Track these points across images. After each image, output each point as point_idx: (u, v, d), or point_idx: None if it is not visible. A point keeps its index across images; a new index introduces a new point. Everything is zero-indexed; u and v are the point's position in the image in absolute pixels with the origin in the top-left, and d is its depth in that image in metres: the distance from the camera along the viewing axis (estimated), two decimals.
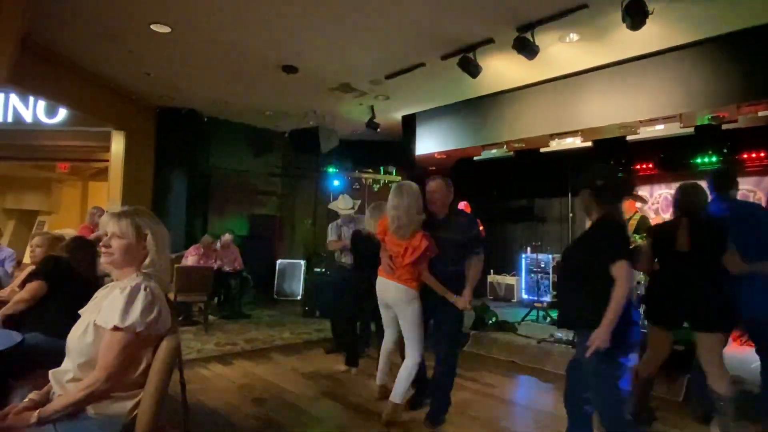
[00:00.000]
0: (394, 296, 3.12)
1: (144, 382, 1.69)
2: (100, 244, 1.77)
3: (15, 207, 10.25)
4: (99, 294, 1.79)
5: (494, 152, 6.51)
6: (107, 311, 1.62)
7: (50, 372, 1.69)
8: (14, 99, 6.97)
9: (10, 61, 4.71)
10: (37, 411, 1.56)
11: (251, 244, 8.42)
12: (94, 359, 1.61)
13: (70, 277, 2.77)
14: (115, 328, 1.58)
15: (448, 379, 3.12)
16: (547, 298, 7.03)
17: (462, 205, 6.85)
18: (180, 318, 6.09)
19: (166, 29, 4.74)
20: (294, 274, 8.68)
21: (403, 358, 3.21)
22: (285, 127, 8.12)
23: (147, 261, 1.76)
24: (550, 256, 7.36)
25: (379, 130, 7.33)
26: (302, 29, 4.66)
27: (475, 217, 3.34)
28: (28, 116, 7.01)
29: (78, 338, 1.65)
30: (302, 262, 8.66)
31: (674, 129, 5.41)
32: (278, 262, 8.74)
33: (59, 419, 1.57)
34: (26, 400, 1.66)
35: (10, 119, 6.97)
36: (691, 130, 5.30)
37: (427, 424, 3.06)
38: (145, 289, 1.65)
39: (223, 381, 4.00)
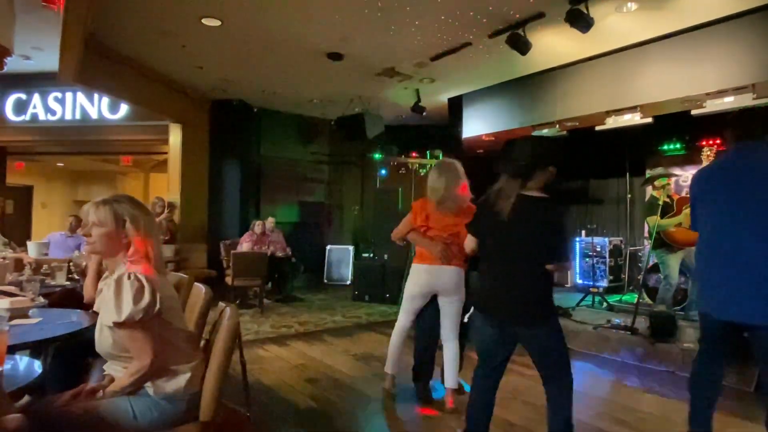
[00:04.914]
0: (449, 281, 3.01)
1: (189, 354, 1.77)
2: (82, 232, 1.75)
3: (86, 199, 11.03)
4: (101, 285, 1.80)
5: (546, 132, 6.27)
6: (105, 309, 1.64)
7: (104, 367, 1.79)
8: (81, 97, 7.44)
9: (77, 61, 5.02)
10: (100, 392, 1.66)
11: (301, 230, 8.65)
12: (125, 352, 1.66)
13: None
14: (117, 324, 1.59)
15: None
16: (603, 283, 6.77)
17: None
18: (237, 301, 6.37)
19: (216, 23, 4.87)
20: (342, 259, 8.83)
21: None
22: (331, 114, 8.19)
23: (131, 249, 1.71)
24: (606, 240, 7.07)
25: (424, 113, 7.25)
26: (346, 15, 4.65)
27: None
28: (93, 113, 7.47)
29: (100, 343, 1.71)
30: (350, 247, 8.80)
31: (746, 101, 4.98)
32: (327, 247, 8.92)
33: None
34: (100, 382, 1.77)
35: (78, 116, 7.45)
36: (767, 100, 4.87)
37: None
38: (129, 278, 1.62)
39: (279, 361, 4.16)
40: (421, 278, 3.08)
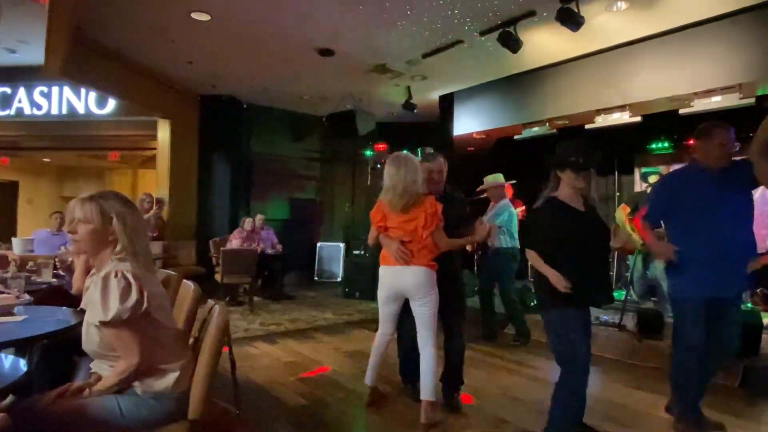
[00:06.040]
0: (413, 283, 2.81)
1: (178, 352, 1.75)
2: (67, 229, 1.72)
3: (73, 195, 10.84)
4: (88, 282, 1.76)
5: (536, 130, 6.31)
6: (91, 308, 1.62)
7: (91, 365, 1.76)
8: (67, 92, 7.31)
9: (63, 55, 4.94)
10: (87, 391, 1.64)
11: (292, 227, 8.62)
12: (112, 351, 1.64)
13: None
14: (103, 323, 1.58)
15: (461, 356, 3.13)
16: None
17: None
18: (226, 299, 6.34)
19: (205, 17, 4.82)
20: (333, 256, 8.82)
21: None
22: (322, 111, 8.16)
23: (118, 247, 1.68)
24: None
25: (416, 111, 7.25)
26: (337, 11, 4.63)
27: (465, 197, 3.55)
28: (80, 108, 7.34)
29: (87, 341, 1.68)
30: (341, 244, 8.79)
31: (733, 100, 5.05)
32: (318, 244, 8.90)
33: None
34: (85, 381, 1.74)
35: (64, 111, 7.32)
36: (752, 101, 4.94)
37: (447, 405, 3.05)
38: (115, 276, 1.59)
39: (269, 359, 4.14)
40: (385, 281, 2.96)
